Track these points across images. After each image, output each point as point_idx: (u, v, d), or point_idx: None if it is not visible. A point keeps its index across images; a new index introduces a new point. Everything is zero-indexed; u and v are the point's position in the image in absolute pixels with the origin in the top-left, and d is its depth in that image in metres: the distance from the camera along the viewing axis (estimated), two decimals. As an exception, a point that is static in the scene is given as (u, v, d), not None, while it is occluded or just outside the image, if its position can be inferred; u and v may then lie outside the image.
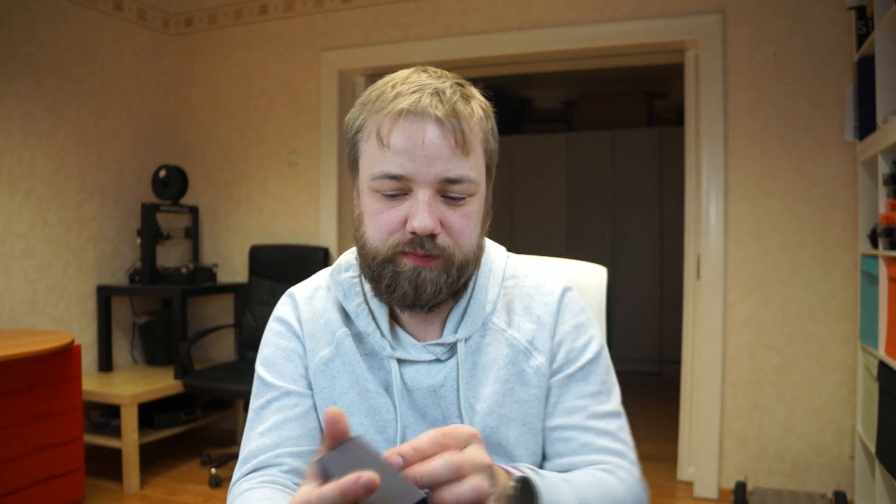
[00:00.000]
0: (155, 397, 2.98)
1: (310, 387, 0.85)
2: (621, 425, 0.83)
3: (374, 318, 0.83)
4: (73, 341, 2.53)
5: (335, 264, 0.90)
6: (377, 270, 0.77)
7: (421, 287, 0.75)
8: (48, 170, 3.09)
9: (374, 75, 3.41)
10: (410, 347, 0.81)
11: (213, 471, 2.97)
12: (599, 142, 5.27)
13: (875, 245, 2.22)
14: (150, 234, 3.35)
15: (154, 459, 3.21)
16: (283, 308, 0.90)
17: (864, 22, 2.38)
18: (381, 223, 0.75)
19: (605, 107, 5.34)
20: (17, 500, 2.38)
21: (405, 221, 0.74)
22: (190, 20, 3.72)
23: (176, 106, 3.79)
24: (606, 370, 0.86)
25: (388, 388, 0.81)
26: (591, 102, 5.41)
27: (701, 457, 2.82)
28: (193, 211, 3.64)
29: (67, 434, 2.57)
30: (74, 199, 3.22)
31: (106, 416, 3.15)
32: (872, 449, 2.15)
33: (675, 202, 4.57)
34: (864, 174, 2.44)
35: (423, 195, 0.73)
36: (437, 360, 0.81)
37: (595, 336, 0.86)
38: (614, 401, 0.85)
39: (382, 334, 0.82)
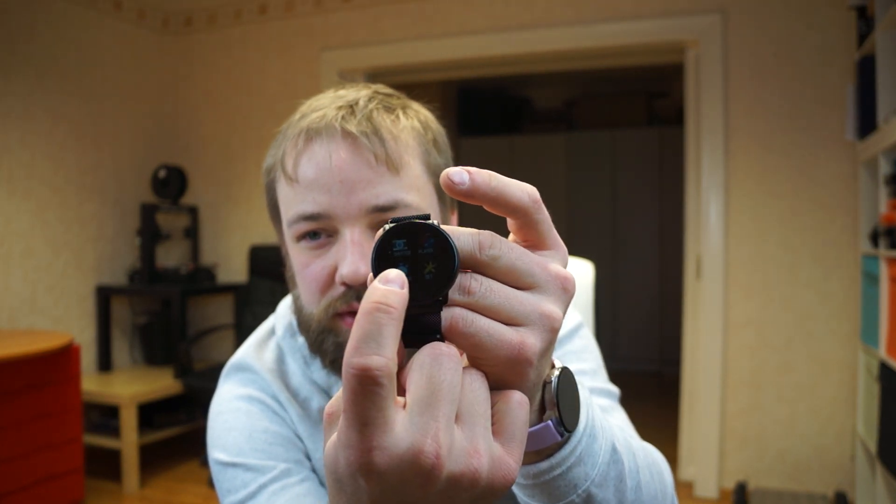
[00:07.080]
0: (154, 397, 2.98)
1: (315, 471, 0.67)
2: (614, 405, 0.73)
3: None
4: (72, 341, 2.53)
5: (281, 325, 0.74)
6: (316, 342, 0.64)
7: None
8: (47, 169, 3.09)
9: (374, 75, 3.40)
10: None
11: (213, 471, 2.97)
12: (599, 142, 5.27)
13: (876, 245, 2.21)
14: (150, 234, 3.34)
15: (154, 460, 3.20)
16: (242, 388, 0.70)
17: (865, 21, 2.37)
18: (310, 279, 0.62)
19: (605, 107, 5.34)
20: (16, 500, 2.37)
21: (336, 272, 0.61)
22: (189, 20, 3.71)
23: (175, 106, 3.79)
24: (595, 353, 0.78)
25: None
26: (591, 102, 5.40)
27: (701, 457, 2.82)
28: (193, 211, 3.63)
29: (66, 434, 2.56)
30: (74, 199, 3.22)
31: (105, 416, 3.15)
32: (873, 449, 2.14)
33: (675, 202, 4.56)
34: (864, 174, 2.44)
35: (349, 234, 0.60)
36: None
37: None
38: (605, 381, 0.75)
39: None
